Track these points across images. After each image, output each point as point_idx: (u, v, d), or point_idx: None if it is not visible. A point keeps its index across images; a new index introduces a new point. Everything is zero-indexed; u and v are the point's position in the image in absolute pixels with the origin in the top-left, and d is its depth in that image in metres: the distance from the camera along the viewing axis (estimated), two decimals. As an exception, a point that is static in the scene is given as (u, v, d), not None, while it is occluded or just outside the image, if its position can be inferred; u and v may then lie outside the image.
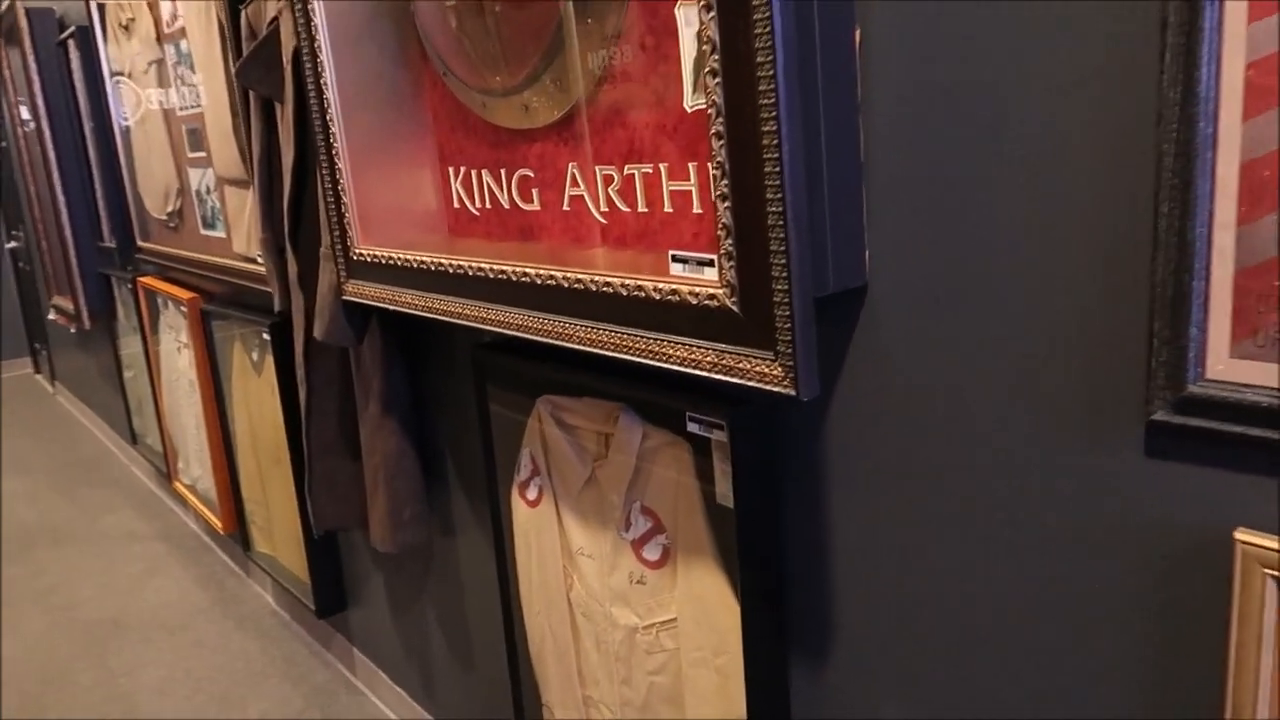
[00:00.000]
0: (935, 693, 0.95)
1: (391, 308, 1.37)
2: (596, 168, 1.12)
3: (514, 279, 1.10)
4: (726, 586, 1.10)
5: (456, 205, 1.38)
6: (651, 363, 0.92)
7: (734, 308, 0.82)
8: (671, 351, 0.89)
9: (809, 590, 1.05)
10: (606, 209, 1.11)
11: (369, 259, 1.41)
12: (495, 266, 1.12)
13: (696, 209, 0.99)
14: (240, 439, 2.58)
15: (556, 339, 1.04)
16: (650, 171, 1.04)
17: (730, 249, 0.80)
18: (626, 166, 1.08)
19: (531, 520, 1.40)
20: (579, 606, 1.37)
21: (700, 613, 1.13)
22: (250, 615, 2.69)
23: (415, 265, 1.29)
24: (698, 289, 0.85)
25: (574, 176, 1.15)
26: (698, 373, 0.87)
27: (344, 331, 1.56)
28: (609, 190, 1.10)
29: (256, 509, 2.59)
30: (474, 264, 1.17)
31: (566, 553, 1.37)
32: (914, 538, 0.93)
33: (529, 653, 1.50)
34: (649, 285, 0.90)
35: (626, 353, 0.95)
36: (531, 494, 1.40)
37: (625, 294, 0.93)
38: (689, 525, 1.13)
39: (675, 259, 0.88)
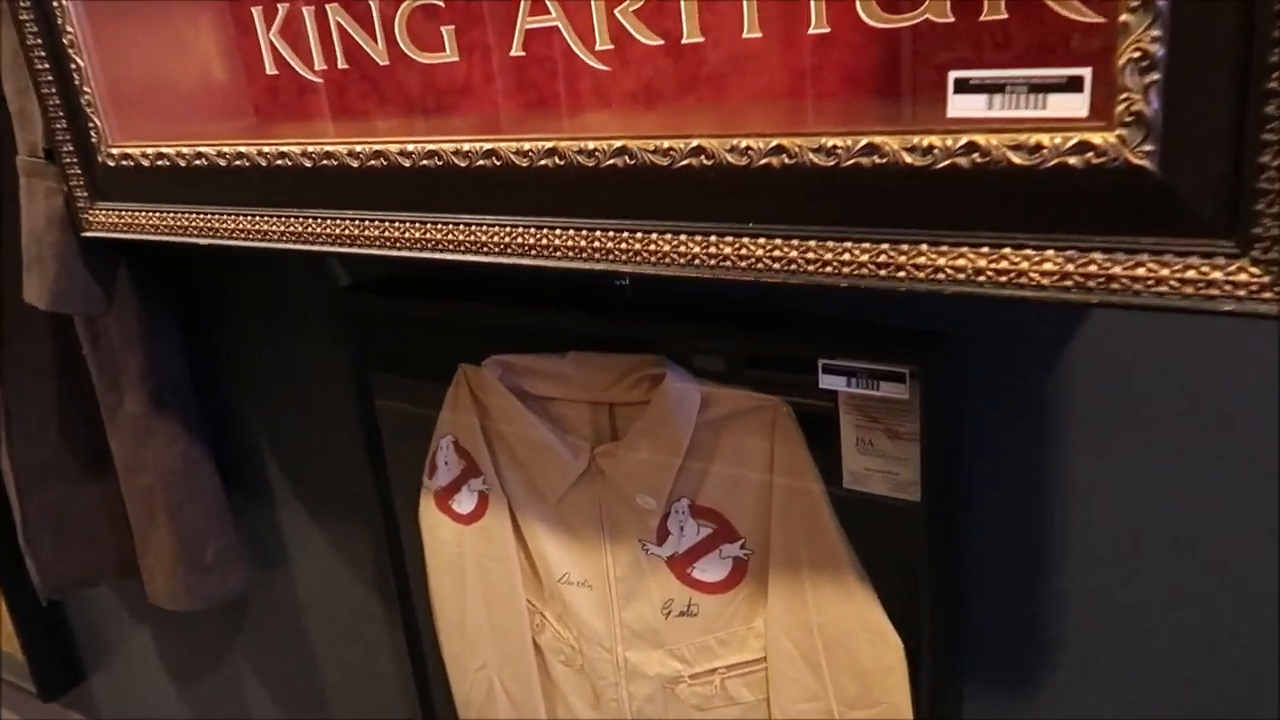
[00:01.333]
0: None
1: (205, 242, 0.81)
2: (592, -23, 0.66)
3: (559, 164, 0.62)
4: (877, 611, 0.73)
5: (272, 70, 0.83)
6: (894, 285, 0.51)
7: (1148, 165, 0.43)
8: (961, 263, 0.49)
9: (996, 607, 0.72)
10: (610, 46, 0.66)
11: (136, 163, 0.83)
12: (519, 146, 0.63)
13: (818, 28, 0.57)
14: None
15: (682, 267, 0.59)
16: (712, -28, 0.61)
17: (1151, 52, 0.41)
18: (660, -32, 0.63)
19: (468, 541, 0.94)
20: (556, 653, 0.94)
21: (821, 650, 0.76)
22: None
23: (285, 161, 0.74)
24: (1035, 140, 0.45)
25: (539, -3, 0.68)
26: (1018, 294, 0.48)
27: (87, 291, 0.96)
28: (617, 12, 0.65)
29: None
30: (466, 144, 0.66)
31: (534, 582, 0.93)
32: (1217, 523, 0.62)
33: (460, 722, 1.05)
34: (894, 145, 0.49)
35: (839, 275, 0.53)
36: (464, 504, 0.93)
37: (836, 164, 0.51)
38: (793, 526, 0.75)
39: (965, 85, 0.47)
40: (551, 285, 0.82)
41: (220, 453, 1.15)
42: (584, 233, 0.61)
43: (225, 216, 0.79)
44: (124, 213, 0.86)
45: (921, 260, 0.50)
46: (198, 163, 0.78)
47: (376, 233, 0.70)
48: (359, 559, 1.13)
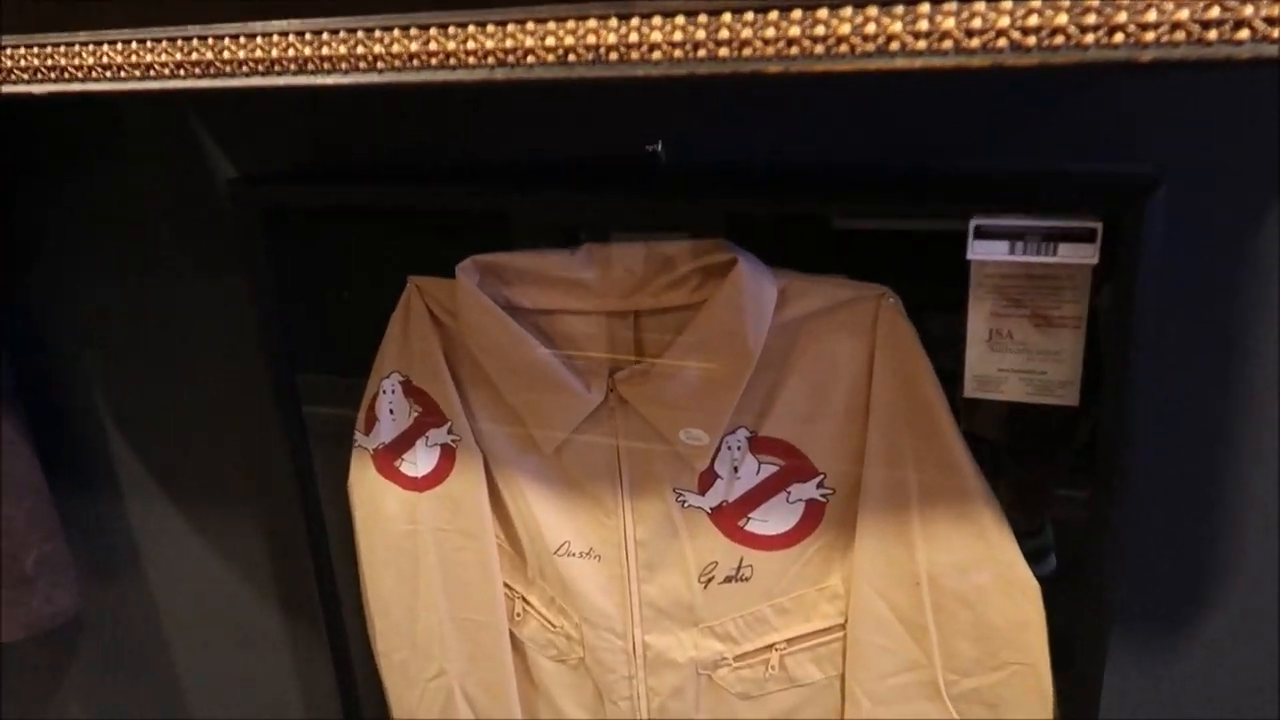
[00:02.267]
0: None
1: (44, 90, 0.55)
2: None
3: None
4: (1014, 553, 0.58)
5: None
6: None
7: None
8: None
9: (1153, 540, 0.59)
10: None
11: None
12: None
13: None
14: None
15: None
16: None
17: None
18: None
19: (424, 513, 0.71)
20: (544, 649, 0.74)
21: (929, 607, 0.60)
22: None
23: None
24: None
25: None
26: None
27: None
28: None
29: None
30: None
31: (515, 560, 0.72)
32: None
33: (403, 747, 0.82)
34: None
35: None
36: (419, 464, 0.70)
37: None
38: (900, 450, 0.59)
39: None
40: (543, 165, 0.62)
41: (41, 427, 0.86)
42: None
43: (78, 49, 0.53)
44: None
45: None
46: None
47: (345, 50, 0.47)
48: (248, 556, 0.88)
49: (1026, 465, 0.61)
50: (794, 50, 0.40)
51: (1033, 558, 0.58)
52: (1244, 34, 0.35)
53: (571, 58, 0.43)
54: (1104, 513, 0.54)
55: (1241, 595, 0.58)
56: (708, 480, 0.64)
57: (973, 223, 0.51)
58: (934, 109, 0.54)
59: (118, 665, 0.99)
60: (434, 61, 0.46)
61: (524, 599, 0.73)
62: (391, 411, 0.70)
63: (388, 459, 0.71)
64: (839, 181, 0.54)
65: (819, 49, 0.40)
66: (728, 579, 0.66)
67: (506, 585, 0.73)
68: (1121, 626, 0.62)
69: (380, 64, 0.47)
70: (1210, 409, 0.55)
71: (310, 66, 0.48)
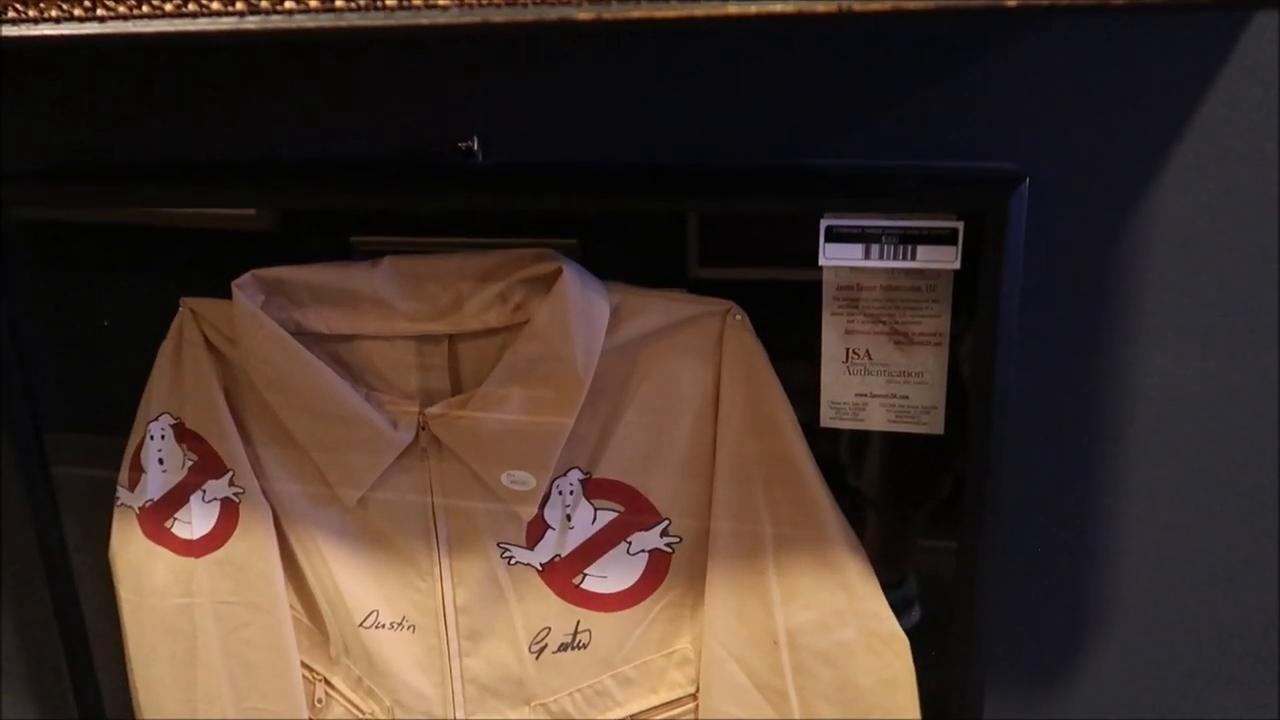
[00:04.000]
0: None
1: None
2: None
3: None
4: (880, 602, 0.51)
5: None
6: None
7: None
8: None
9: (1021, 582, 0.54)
10: None
11: None
12: None
13: None
14: None
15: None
16: None
17: None
18: None
19: (202, 582, 0.59)
20: (352, 738, 0.63)
21: (788, 668, 0.53)
22: None
23: None
24: None
25: None
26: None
27: None
28: None
29: None
30: None
31: (315, 635, 0.61)
32: None
33: None
34: None
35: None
36: (196, 523, 0.59)
37: None
38: (751, 488, 0.51)
39: None
40: (338, 165, 0.54)
41: None
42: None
43: None
44: None
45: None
46: None
47: (55, -9, 0.38)
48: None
49: (889, 508, 0.55)
50: (607, -8, 0.33)
51: (896, 611, 0.52)
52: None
53: (340, 2, 0.35)
54: (973, 553, 0.48)
55: (1122, 637, 0.53)
56: (537, 532, 0.55)
57: (823, 223, 0.45)
58: (780, 106, 0.48)
59: None
60: (169, 7, 0.37)
61: (326, 681, 0.62)
62: (161, 461, 0.59)
63: (156, 519, 0.60)
64: (677, 177, 0.47)
65: (636, -10, 0.33)
66: (563, 647, 0.57)
67: (305, 666, 0.61)
68: (996, 681, 0.56)
69: (101, 9, 0.37)
70: (1080, 432, 0.50)
71: (8, 12, 0.38)
